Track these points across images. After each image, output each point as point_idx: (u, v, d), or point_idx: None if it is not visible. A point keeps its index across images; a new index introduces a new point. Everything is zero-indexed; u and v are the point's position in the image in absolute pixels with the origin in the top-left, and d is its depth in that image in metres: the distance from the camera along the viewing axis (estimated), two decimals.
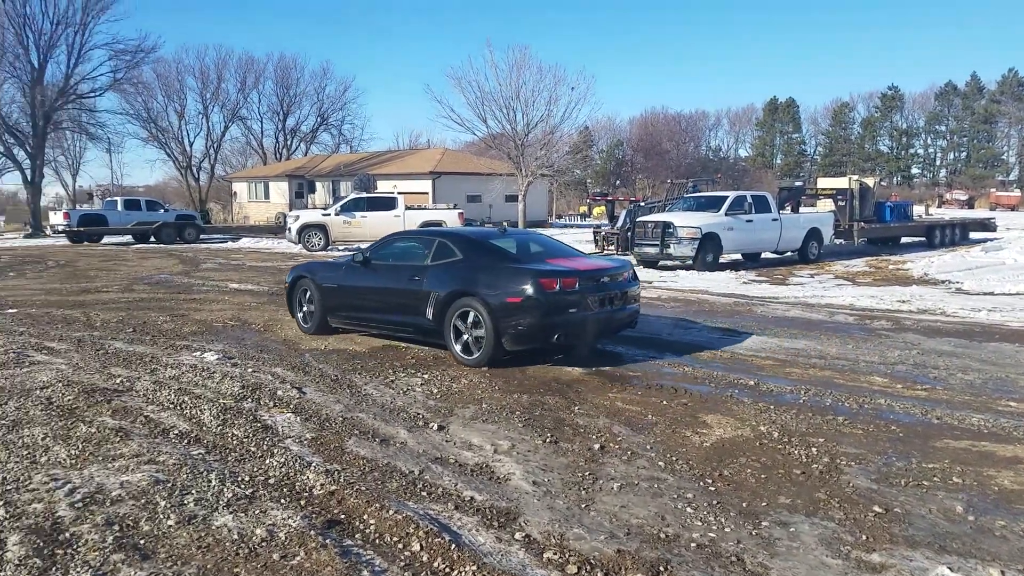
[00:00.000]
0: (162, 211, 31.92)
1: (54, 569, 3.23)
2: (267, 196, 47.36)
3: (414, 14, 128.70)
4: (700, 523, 3.77)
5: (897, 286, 14.05)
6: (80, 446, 4.80)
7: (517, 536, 3.60)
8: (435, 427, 5.31)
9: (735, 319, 10.11)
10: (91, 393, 6.08)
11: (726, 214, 17.28)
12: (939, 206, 54.26)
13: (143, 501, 3.93)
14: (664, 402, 5.98)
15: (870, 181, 22.91)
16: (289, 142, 60.72)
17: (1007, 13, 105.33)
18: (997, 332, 9.03)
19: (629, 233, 19.34)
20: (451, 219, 23.35)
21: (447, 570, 3.27)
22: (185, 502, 3.92)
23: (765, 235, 18.09)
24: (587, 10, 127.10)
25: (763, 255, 19.34)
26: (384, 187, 32.76)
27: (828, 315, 10.49)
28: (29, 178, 38.87)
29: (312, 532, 3.58)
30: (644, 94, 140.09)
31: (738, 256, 18.95)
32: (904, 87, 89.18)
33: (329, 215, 23.70)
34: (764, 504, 4.01)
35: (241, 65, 57.59)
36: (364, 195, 24.86)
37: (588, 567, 3.31)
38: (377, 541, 3.54)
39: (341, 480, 4.29)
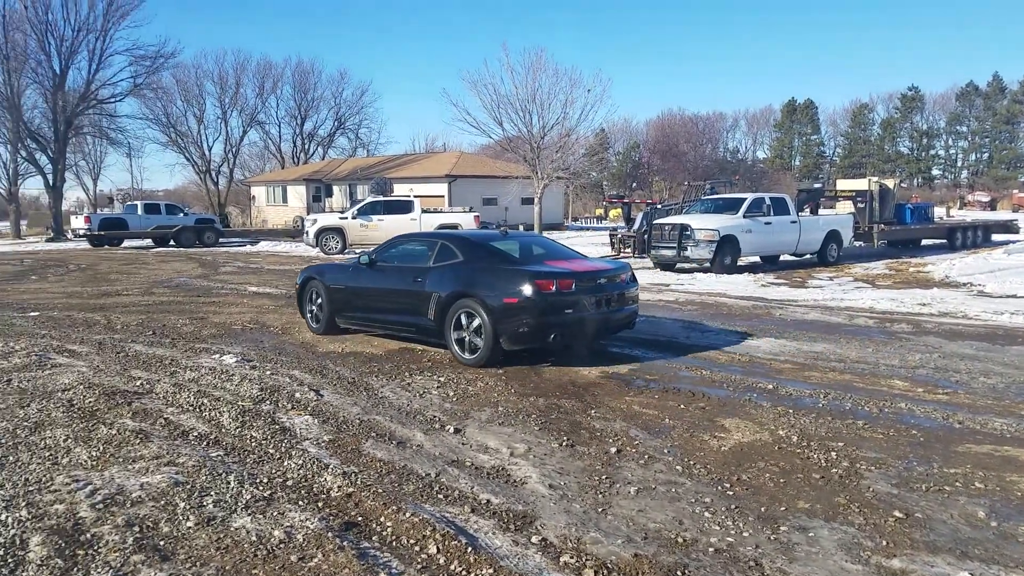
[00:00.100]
0: (181, 215, 32.20)
1: (75, 569, 3.26)
2: (285, 200, 47.71)
3: (427, 17, 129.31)
4: (718, 528, 3.75)
5: (918, 289, 13.89)
6: (101, 448, 4.85)
7: (534, 540, 3.60)
8: (451, 430, 5.32)
9: (753, 322, 10.04)
10: (112, 395, 6.14)
11: (744, 216, 17.17)
12: (960, 208, 53.63)
13: (163, 502, 3.96)
14: (681, 406, 5.95)
15: (890, 183, 22.67)
16: (307, 146, 61.14)
17: None
18: (1020, 335, 8.91)
19: (646, 236, 19.28)
20: (467, 222, 23.38)
21: (464, 573, 3.27)
22: (204, 504, 3.95)
23: (784, 237, 17.96)
24: (603, 10, 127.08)
25: (782, 258, 19.18)
26: (400, 190, 32.89)
27: (848, 318, 10.39)
28: (51, 183, 39.42)
29: (330, 534, 3.60)
30: (661, 96, 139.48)
31: (756, 259, 18.82)
32: (924, 87, 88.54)
33: (346, 219, 23.84)
34: (783, 509, 3.98)
35: (259, 70, 58.09)
36: (381, 199, 24.99)
37: (605, 571, 3.30)
38: (394, 543, 3.55)
39: (358, 482, 4.30)
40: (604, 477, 4.44)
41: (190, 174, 62.26)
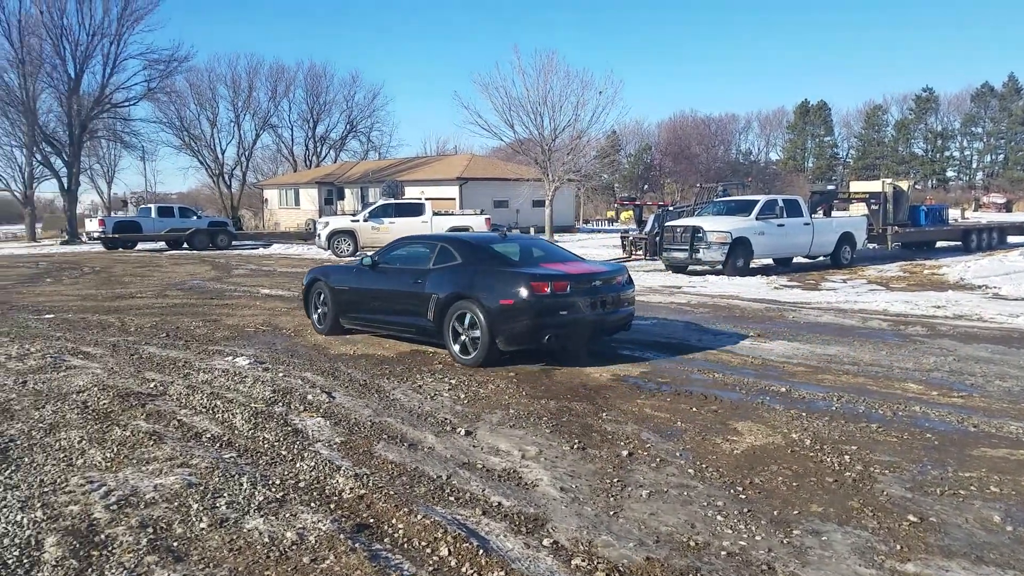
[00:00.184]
0: (195, 218, 32.36)
1: (90, 570, 3.29)
2: (297, 203, 47.97)
3: (427, 17, 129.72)
4: (730, 531, 3.73)
5: (932, 291, 13.79)
6: (115, 449, 4.88)
7: (545, 542, 3.59)
8: (462, 432, 5.32)
9: (766, 325, 10.00)
10: (126, 397, 6.18)
11: (757, 218, 17.08)
12: (976, 210, 53.19)
13: (176, 504, 3.98)
14: (693, 409, 5.93)
15: (904, 184, 22.50)
16: (319, 149, 61.39)
17: None
18: None
19: (657, 238, 19.24)
20: (478, 225, 23.43)
21: (475, 575, 3.27)
22: (217, 505, 3.97)
23: (797, 239, 17.86)
24: (604, 10, 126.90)
25: (795, 260, 19.07)
26: (412, 193, 32.99)
27: (861, 321, 10.33)
28: (66, 186, 39.72)
29: (341, 536, 3.61)
30: (673, 97, 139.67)
31: (769, 261, 18.71)
32: (939, 88, 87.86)
33: (358, 221, 23.94)
34: (796, 512, 3.96)
35: (272, 74, 58.37)
36: (392, 201, 25.07)
37: (617, 574, 3.29)
38: (405, 545, 3.55)
39: (370, 484, 4.31)
40: (616, 480, 4.43)
41: (203, 177, 62.71)
